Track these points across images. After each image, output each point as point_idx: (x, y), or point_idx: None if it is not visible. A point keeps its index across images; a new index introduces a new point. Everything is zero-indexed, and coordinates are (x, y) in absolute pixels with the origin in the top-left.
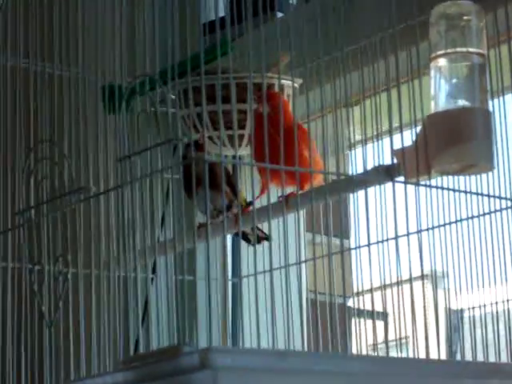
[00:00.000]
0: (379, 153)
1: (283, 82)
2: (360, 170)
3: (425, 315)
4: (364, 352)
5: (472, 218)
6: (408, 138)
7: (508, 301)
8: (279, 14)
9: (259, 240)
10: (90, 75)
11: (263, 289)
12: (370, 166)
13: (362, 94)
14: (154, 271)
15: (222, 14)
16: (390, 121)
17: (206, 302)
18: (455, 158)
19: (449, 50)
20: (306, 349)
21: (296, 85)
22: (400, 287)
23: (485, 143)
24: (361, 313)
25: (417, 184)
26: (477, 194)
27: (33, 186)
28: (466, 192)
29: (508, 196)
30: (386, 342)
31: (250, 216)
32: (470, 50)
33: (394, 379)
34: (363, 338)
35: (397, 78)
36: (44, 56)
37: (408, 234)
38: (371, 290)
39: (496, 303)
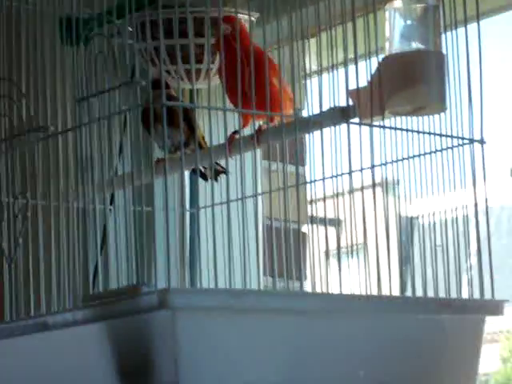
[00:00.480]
0: (334, 84)
1: (240, 16)
2: (316, 103)
3: (375, 223)
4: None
5: (424, 154)
6: (362, 70)
7: (456, 208)
8: None
9: (217, 174)
10: (47, 7)
11: (220, 220)
12: (325, 97)
13: (318, 26)
14: (111, 203)
15: None
16: (346, 57)
17: (163, 235)
18: (408, 99)
19: None
20: (261, 277)
21: (253, 18)
22: (352, 195)
23: (437, 85)
24: (314, 220)
25: (370, 125)
26: (429, 133)
27: None
28: (418, 132)
29: (459, 134)
30: (338, 248)
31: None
32: None
33: (346, 315)
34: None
35: (352, 12)
36: None
37: (361, 170)
38: (324, 199)
39: (445, 211)
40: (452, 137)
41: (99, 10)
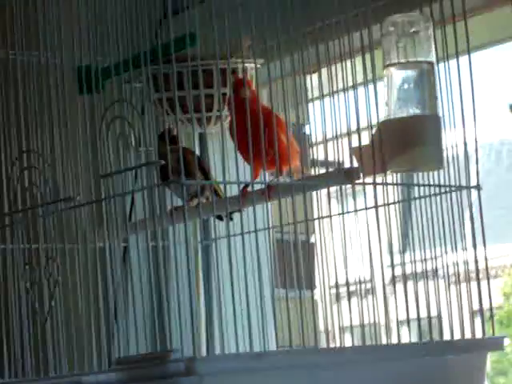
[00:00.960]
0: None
1: (246, 65)
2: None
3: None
4: None
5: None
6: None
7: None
8: None
9: (232, 213)
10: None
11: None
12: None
13: (318, 63)
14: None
15: None
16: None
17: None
18: (407, 162)
19: (400, 60)
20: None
21: (259, 65)
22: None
23: (434, 148)
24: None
25: (374, 184)
26: (428, 185)
27: (19, 192)
28: (418, 185)
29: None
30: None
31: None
32: (420, 59)
33: (355, 366)
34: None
35: (350, 53)
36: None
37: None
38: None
39: None
40: (450, 186)
41: (114, 61)
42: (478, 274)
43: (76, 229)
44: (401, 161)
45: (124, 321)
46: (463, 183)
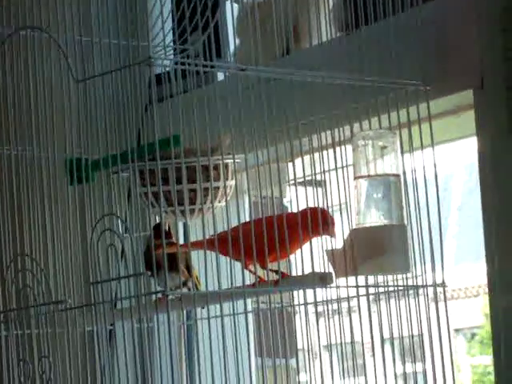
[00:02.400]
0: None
1: (227, 161)
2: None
3: None
4: None
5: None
6: None
7: None
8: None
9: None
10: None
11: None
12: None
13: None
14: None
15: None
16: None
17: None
18: (376, 267)
19: (369, 172)
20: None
21: (238, 160)
22: None
23: (401, 254)
24: None
25: (346, 287)
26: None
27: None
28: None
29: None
30: None
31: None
32: (387, 172)
33: None
34: None
35: (332, 144)
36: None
37: None
38: None
39: None
40: (417, 287)
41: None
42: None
43: (67, 326)
44: (370, 266)
45: None
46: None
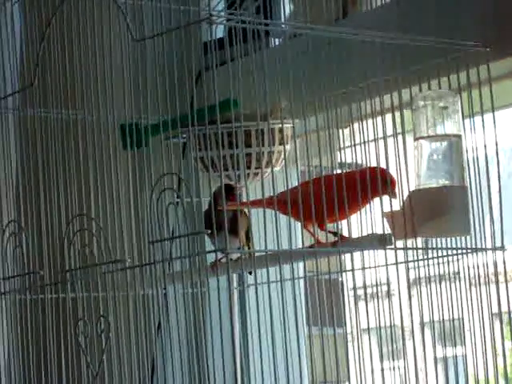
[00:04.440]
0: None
1: (287, 125)
2: None
3: None
4: None
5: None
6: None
7: None
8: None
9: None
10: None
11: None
12: None
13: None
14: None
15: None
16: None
17: None
18: (436, 229)
19: (430, 133)
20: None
21: (292, 125)
22: None
23: (461, 217)
24: None
25: (405, 249)
26: (456, 248)
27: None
28: (447, 248)
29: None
30: None
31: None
32: (448, 132)
33: None
34: None
35: (381, 112)
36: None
37: None
38: None
39: None
40: (477, 249)
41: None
42: (497, 276)
43: (127, 285)
44: (430, 228)
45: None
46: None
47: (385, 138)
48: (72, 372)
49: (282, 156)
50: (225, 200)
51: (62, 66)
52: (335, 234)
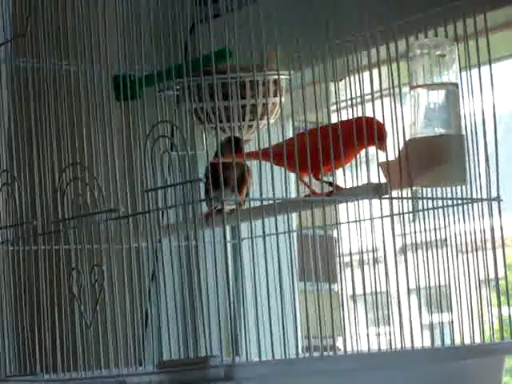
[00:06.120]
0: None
1: (282, 77)
2: None
3: None
4: None
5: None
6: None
7: None
8: None
9: None
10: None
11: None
12: None
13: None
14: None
15: None
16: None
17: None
18: (432, 178)
19: (426, 81)
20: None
21: (288, 76)
22: None
23: (458, 166)
24: None
25: (400, 198)
26: (451, 198)
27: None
28: (442, 199)
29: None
30: None
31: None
32: (445, 80)
33: (378, 371)
34: None
35: (377, 63)
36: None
37: None
38: None
39: None
40: (472, 200)
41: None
42: (494, 243)
43: (120, 236)
44: (426, 177)
45: (157, 321)
46: (484, 196)
47: (381, 89)
48: (65, 322)
49: (277, 108)
50: (220, 153)
51: (54, 15)
52: (330, 184)
